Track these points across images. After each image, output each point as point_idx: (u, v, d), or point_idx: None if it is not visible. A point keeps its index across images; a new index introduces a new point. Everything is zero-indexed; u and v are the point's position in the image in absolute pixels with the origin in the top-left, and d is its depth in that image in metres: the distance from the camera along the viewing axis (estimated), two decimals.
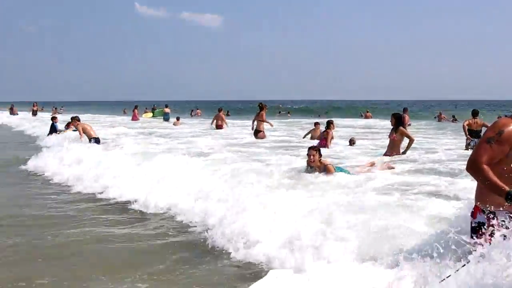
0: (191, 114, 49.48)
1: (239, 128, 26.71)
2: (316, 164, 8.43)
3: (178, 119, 31.97)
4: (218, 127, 25.72)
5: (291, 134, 22.44)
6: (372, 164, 9.65)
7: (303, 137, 18.30)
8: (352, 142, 15.90)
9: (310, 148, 8.60)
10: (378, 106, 71.17)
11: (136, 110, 39.66)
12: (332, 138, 15.54)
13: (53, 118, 20.79)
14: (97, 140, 15.57)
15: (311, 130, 18.40)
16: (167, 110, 39.03)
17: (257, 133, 18.91)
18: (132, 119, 38.24)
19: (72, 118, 16.43)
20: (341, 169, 8.84)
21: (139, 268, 5.03)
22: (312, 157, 8.37)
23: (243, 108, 70.83)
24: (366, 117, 44.18)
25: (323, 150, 13.68)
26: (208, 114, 42.46)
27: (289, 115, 50.30)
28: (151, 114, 44.03)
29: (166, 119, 37.35)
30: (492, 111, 48.35)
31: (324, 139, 15.34)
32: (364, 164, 9.82)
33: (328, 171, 8.28)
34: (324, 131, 15.68)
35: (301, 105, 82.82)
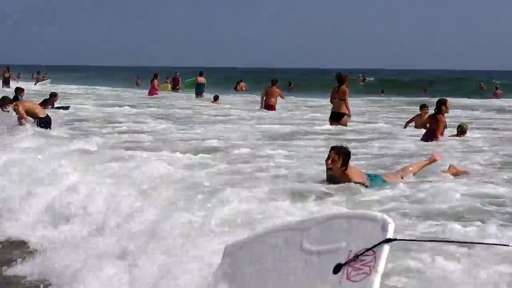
0: (236, 88, 49.28)
1: (302, 110, 26.51)
2: (337, 173, 8.40)
3: (216, 98, 31.04)
4: (269, 107, 24.98)
5: (382, 119, 22.37)
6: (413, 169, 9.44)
7: (405, 126, 18.05)
8: (461, 131, 15.37)
9: (332, 149, 8.55)
10: None
11: (155, 81, 38.67)
12: (445, 126, 14.89)
13: (18, 90, 20.68)
14: (46, 122, 15.92)
15: (415, 116, 18.23)
16: (201, 79, 37.56)
17: (338, 117, 18.20)
18: (150, 94, 37.50)
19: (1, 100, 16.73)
20: (376, 178, 8.81)
21: None
22: (329, 161, 8.35)
23: (306, 78, 70.03)
24: (495, 95, 43.59)
25: (428, 146, 13.31)
26: (256, 88, 41.40)
27: (382, 93, 47.24)
28: (169, 86, 43.38)
29: (199, 92, 36.38)
30: None
31: (431, 129, 14.77)
32: (406, 168, 9.62)
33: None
34: (433, 115, 15.05)
35: (384, 75, 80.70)
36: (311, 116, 23.15)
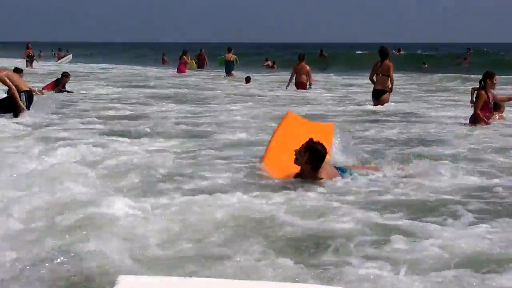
0: (264, 64, 48.10)
1: (335, 90, 26.00)
2: (303, 168, 8.27)
3: (248, 80, 29.77)
4: (300, 85, 24.44)
5: (420, 98, 21.80)
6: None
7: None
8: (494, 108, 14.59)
9: (307, 141, 8.34)
10: None
11: (185, 57, 38.48)
12: (487, 103, 13.98)
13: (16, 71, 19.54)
14: (29, 96, 15.50)
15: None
16: (229, 56, 36.46)
17: (379, 94, 17.98)
18: (179, 71, 37.33)
19: None
20: (345, 172, 8.57)
21: None
22: (297, 151, 8.26)
23: (342, 52, 69.14)
24: None
25: (475, 131, 12.85)
26: (283, 67, 40.85)
27: (426, 66, 46.36)
28: (194, 64, 42.46)
29: (229, 71, 35.48)
30: None
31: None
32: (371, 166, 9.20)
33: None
34: (477, 89, 14.40)
35: (415, 49, 79.48)
36: (343, 96, 22.41)
